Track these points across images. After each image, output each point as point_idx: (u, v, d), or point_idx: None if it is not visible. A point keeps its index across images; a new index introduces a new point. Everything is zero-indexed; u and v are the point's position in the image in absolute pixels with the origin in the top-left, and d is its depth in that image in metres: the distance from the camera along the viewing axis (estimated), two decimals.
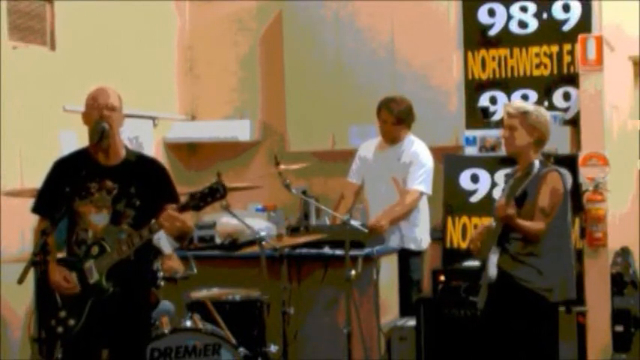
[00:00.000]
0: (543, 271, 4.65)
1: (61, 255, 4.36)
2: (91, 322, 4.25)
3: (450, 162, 6.63)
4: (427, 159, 6.29)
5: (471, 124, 6.78)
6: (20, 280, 4.02)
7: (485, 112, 6.67)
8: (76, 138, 5.52)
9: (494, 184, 6.38)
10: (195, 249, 6.02)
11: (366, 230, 5.77)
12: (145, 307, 4.47)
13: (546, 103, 6.63)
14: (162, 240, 5.03)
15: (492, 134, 6.40)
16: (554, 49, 6.67)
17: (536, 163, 4.61)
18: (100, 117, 4.27)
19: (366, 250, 5.83)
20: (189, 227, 4.37)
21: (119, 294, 4.27)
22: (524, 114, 4.77)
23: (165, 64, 7.83)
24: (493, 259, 4.70)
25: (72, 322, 4.24)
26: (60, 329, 4.25)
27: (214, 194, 4.18)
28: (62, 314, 4.26)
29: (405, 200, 6.21)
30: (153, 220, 4.21)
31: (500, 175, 6.11)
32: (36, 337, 5.32)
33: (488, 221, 5.10)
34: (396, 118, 6.28)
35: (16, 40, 6.09)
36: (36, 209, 4.45)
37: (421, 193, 6.25)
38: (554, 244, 4.69)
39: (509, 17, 6.80)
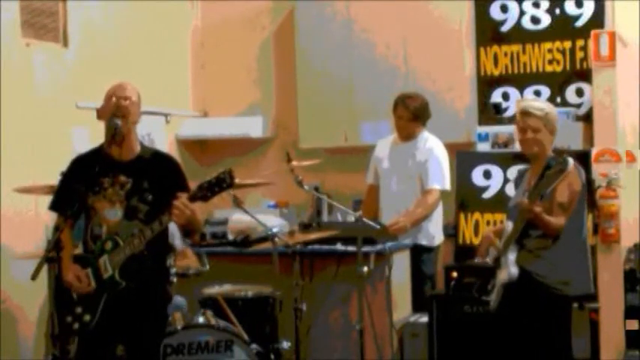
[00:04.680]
0: (560, 264, 4.66)
1: (78, 251, 4.37)
2: (105, 317, 4.26)
3: (462, 158, 6.62)
4: (442, 155, 6.29)
5: (483, 120, 6.78)
6: (34, 276, 4.03)
7: (498, 108, 6.66)
8: (88, 135, 5.54)
9: (506, 181, 6.36)
10: (207, 245, 6.03)
11: (379, 227, 5.77)
12: (160, 302, 4.47)
13: (559, 99, 6.62)
14: (176, 236, 5.04)
15: (505, 130, 6.39)
16: (567, 44, 6.65)
17: (570, 160, 4.48)
18: (116, 107, 4.29)
19: (379, 247, 5.83)
20: (199, 220, 4.35)
21: (133, 289, 4.28)
22: (547, 115, 4.78)
23: (178, 61, 7.84)
24: (511, 257, 4.69)
25: (87, 317, 4.25)
26: (76, 325, 4.26)
27: (221, 184, 4.14)
28: (78, 310, 4.27)
29: (427, 201, 6.20)
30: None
31: (513, 172, 6.10)
32: (50, 333, 5.34)
33: (498, 222, 5.10)
34: (412, 114, 6.27)
35: (29, 37, 6.11)
36: (53, 206, 4.47)
37: (441, 191, 6.24)
38: (571, 238, 4.70)
39: (522, 13, 6.79)
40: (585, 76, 6.50)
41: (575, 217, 4.71)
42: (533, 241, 4.69)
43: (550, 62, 6.71)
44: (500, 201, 6.15)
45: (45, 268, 4.21)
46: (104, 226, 4.32)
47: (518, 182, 5.09)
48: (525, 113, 4.80)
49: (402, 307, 6.13)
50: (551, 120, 4.80)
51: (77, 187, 4.31)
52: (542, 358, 4.69)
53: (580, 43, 6.59)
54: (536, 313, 4.67)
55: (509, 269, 4.68)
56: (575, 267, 4.72)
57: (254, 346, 5.21)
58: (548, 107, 4.87)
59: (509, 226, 4.81)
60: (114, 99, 4.33)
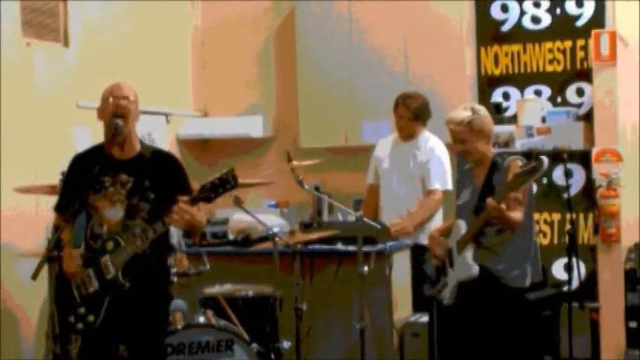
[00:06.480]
0: (515, 258, 4.73)
1: (79, 251, 4.36)
2: (109, 318, 4.25)
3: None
4: (444, 155, 6.29)
5: None
6: (34, 276, 4.03)
7: (498, 108, 6.66)
8: (89, 134, 5.54)
9: None
10: (208, 245, 6.03)
11: (379, 226, 5.77)
12: (161, 301, 4.47)
13: (559, 99, 6.63)
14: (173, 235, 5.04)
15: (505, 130, 6.40)
16: (568, 44, 6.66)
17: (544, 159, 4.55)
18: (115, 107, 4.28)
19: (379, 246, 5.83)
20: (200, 222, 4.29)
21: (136, 289, 4.27)
22: (469, 123, 4.78)
23: (179, 61, 7.84)
24: (469, 255, 4.72)
25: (91, 318, 4.25)
26: (80, 325, 4.26)
27: (225, 185, 4.14)
28: (81, 310, 4.27)
29: (430, 202, 6.21)
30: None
31: None
32: (51, 332, 5.33)
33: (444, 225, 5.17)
34: (413, 114, 6.27)
35: (29, 36, 6.11)
36: (58, 208, 4.48)
37: (444, 192, 6.24)
38: (524, 232, 4.74)
39: (522, 13, 6.80)
40: (586, 75, 6.51)
41: (526, 208, 4.75)
42: (490, 238, 4.73)
43: (550, 62, 6.71)
44: None
45: (45, 267, 4.20)
46: (105, 225, 4.32)
47: (462, 181, 5.10)
48: (449, 127, 4.86)
49: (403, 307, 6.12)
50: (475, 127, 4.79)
51: (79, 186, 4.31)
52: (519, 350, 4.77)
53: (580, 42, 6.60)
54: (499, 308, 4.73)
55: (470, 267, 4.71)
56: (528, 259, 4.77)
57: (254, 345, 5.20)
58: (471, 115, 4.82)
59: (461, 224, 4.83)
60: (111, 99, 4.33)
